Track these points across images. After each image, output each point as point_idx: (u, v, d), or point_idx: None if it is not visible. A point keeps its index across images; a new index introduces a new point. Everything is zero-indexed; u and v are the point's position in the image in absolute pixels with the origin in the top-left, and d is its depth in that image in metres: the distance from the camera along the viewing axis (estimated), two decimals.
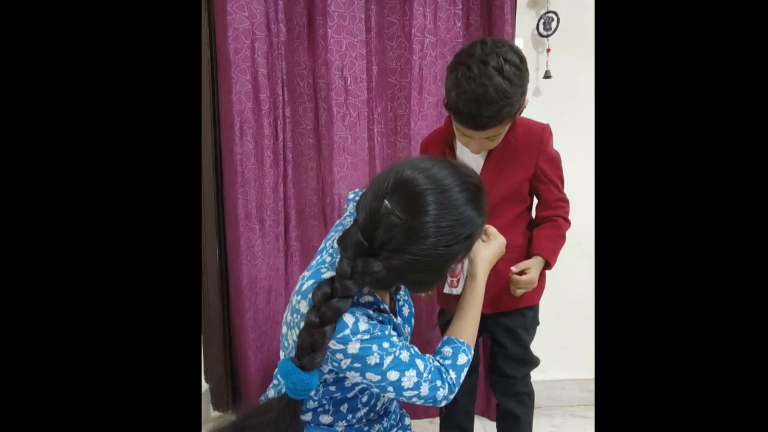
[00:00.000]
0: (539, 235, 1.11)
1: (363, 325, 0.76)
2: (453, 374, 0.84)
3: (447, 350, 0.87)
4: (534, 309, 1.17)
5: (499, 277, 1.08)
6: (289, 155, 1.49)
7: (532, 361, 1.17)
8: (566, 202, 1.14)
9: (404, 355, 0.79)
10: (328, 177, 1.49)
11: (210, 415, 1.56)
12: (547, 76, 1.50)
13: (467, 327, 0.90)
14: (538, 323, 1.20)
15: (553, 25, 1.46)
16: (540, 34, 1.48)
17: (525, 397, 1.18)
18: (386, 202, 0.71)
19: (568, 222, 1.13)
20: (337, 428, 0.90)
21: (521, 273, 1.06)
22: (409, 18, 1.42)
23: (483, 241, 0.95)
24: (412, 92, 1.45)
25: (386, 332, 0.79)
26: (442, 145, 1.14)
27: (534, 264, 1.07)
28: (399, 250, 0.70)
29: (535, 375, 1.22)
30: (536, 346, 1.21)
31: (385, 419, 0.99)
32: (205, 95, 1.42)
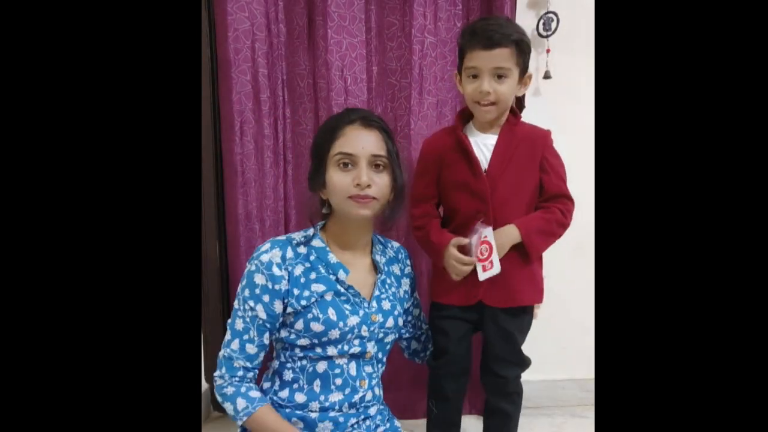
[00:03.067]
0: (528, 216, 1.08)
1: (264, 258, 0.95)
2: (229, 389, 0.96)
3: (241, 396, 0.96)
4: (530, 310, 1.17)
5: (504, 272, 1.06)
6: (289, 155, 1.49)
7: (525, 362, 1.18)
8: (570, 200, 1.11)
9: (237, 324, 0.95)
10: None
11: (210, 415, 1.56)
12: (547, 76, 1.50)
13: None
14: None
15: (553, 25, 1.46)
16: (540, 35, 1.48)
17: (515, 396, 1.20)
18: None
19: (565, 216, 1.09)
20: (311, 409, 0.95)
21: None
22: (409, 18, 1.42)
23: None
24: (412, 93, 1.45)
25: (261, 283, 0.93)
26: (450, 139, 1.12)
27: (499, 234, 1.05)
28: None
29: (535, 375, 1.22)
30: (537, 346, 1.21)
31: (369, 420, 1.00)
32: (205, 95, 1.42)
